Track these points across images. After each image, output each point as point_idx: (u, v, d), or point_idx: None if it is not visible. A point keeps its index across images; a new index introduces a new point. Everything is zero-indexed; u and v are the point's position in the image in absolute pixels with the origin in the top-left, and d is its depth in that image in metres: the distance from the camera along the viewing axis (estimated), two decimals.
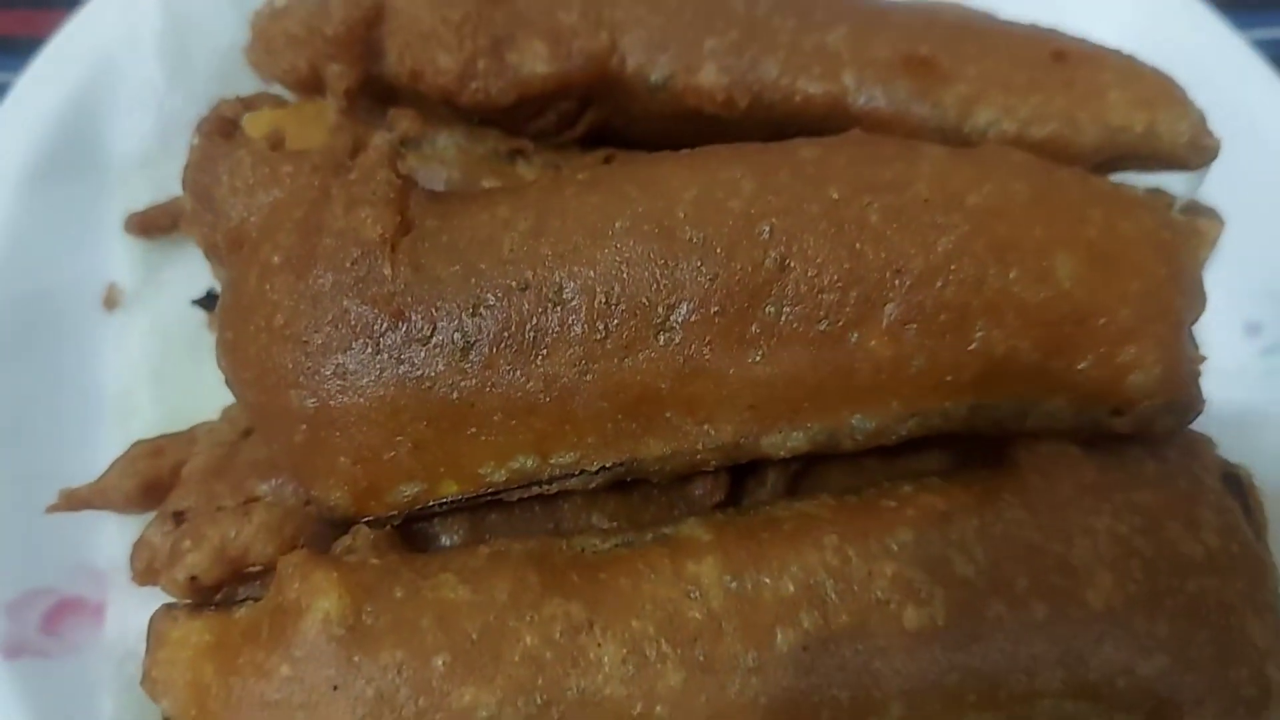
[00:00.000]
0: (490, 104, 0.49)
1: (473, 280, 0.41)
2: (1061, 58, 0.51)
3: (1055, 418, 0.45)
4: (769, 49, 0.49)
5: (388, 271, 0.41)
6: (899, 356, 0.42)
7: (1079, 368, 0.43)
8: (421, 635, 0.37)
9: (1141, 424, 0.45)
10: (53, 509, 0.48)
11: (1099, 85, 0.50)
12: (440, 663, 0.37)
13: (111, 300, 0.56)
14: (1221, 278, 0.58)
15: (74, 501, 0.48)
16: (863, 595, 0.40)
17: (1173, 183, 0.55)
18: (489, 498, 0.43)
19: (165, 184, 0.56)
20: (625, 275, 0.41)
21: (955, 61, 0.50)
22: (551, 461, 0.42)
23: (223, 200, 0.44)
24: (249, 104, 0.50)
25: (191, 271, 0.56)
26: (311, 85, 0.50)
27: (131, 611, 0.49)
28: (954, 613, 0.40)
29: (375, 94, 0.51)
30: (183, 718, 0.37)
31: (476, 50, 0.48)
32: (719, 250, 0.41)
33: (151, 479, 0.48)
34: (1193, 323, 0.45)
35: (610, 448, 0.42)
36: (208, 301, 0.56)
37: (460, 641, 0.37)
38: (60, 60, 0.56)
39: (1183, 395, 0.45)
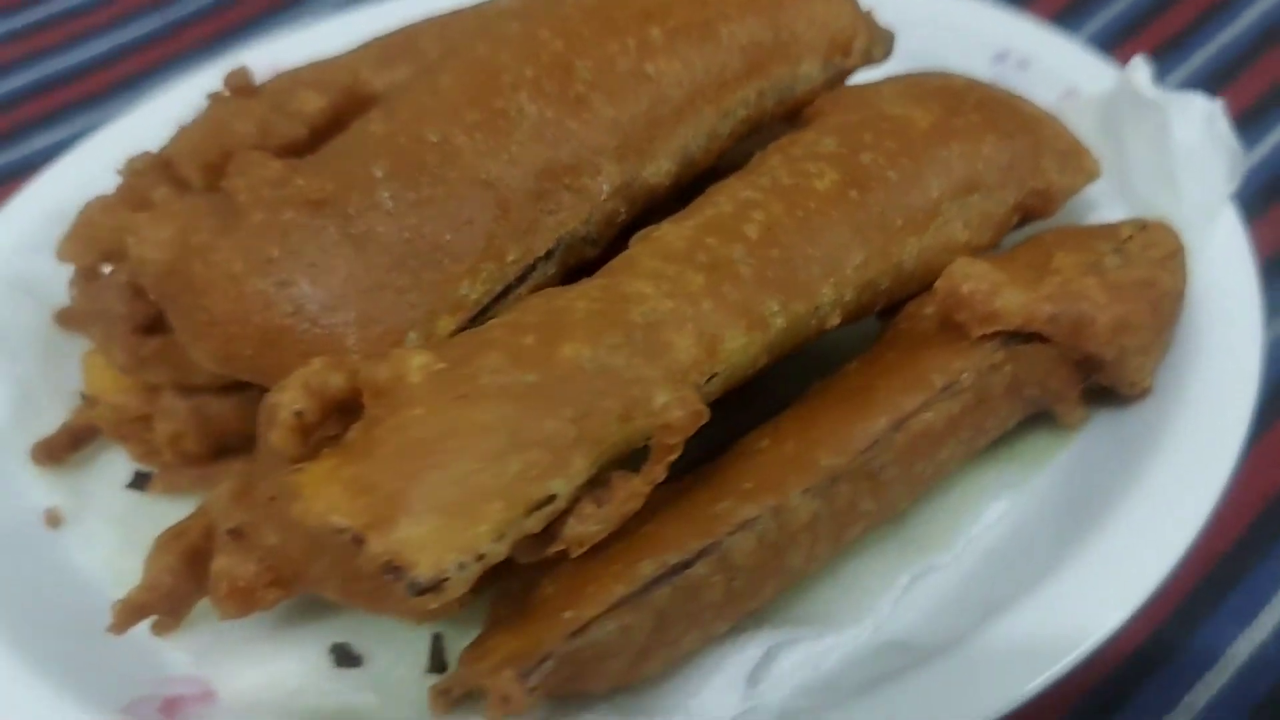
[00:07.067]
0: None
1: (362, 155, 0.49)
2: None
3: (814, 78, 0.58)
4: None
5: (300, 182, 0.48)
6: (685, 68, 0.54)
7: (801, 32, 0.57)
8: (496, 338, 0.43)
9: (866, 57, 0.59)
10: (114, 629, 0.47)
11: None
12: (529, 341, 0.42)
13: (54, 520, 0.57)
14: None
15: (129, 611, 0.48)
16: (785, 181, 0.50)
17: None
18: (481, 317, 0.49)
19: None
20: (467, 93, 0.51)
21: None
22: (508, 260, 0.49)
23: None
24: None
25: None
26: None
27: (240, 678, 0.48)
28: (844, 176, 0.51)
29: None
30: (358, 520, 0.39)
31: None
32: (522, 55, 0.52)
33: (189, 550, 0.49)
34: None
35: (541, 235, 0.50)
36: (139, 481, 0.58)
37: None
38: None
39: (876, 29, 0.60)
